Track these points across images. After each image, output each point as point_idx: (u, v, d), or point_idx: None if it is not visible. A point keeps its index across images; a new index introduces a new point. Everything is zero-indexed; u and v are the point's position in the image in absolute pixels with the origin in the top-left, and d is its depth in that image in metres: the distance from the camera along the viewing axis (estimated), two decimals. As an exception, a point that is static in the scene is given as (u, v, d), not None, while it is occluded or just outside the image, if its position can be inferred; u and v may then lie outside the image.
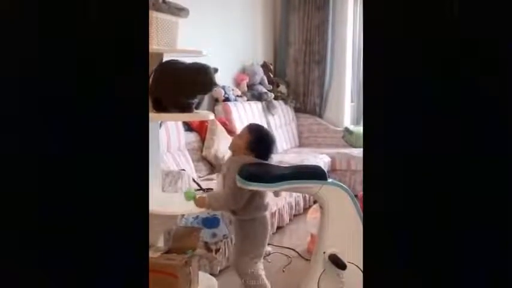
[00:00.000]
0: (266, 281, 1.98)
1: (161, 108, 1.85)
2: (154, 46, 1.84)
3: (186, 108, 1.85)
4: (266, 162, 1.99)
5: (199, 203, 1.92)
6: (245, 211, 1.95)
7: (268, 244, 2.89)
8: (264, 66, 4.78)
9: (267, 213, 2.02)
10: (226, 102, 3.99)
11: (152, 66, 1.87)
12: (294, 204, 3.56)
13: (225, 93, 4.02)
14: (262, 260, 2.03)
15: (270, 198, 2.05)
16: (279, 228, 3.27)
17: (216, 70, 1.84)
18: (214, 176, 3.18)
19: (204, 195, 1.98)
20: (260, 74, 4.61)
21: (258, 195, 1.96)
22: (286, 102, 4.93)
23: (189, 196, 1.96)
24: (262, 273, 1.99)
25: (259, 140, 1.98)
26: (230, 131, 3.68)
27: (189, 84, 1.78)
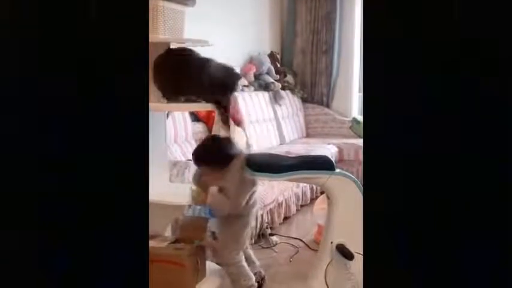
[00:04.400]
0: (249, 272, 2.00)
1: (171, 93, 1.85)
2: (160, 35, 1.83)
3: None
4: (273, 152, 1.99)
5: (199, 200, 1.88)
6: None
7: (275, 234, 2.91)
8: (271, 56, 4.75)
9: (254, 210, 2.02)
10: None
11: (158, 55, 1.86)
12: (300, 194, 3.55)
13: (232, 83, 4.00)
14: (247, 251, 2.07)
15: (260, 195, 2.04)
16: (286, 218, 3.27)
17: (239, 76, 1.85)
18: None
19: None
20: (267, 64, 4.59)
21: (250, 196, 1.94)
22: (293, 92, 4.91)
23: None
24: (245, 264, 2.00)
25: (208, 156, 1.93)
26: (237, 121, 3.67)
27: (213, 84, 1.77)
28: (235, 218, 1.95)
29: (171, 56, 1.85)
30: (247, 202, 1.94)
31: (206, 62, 1.82)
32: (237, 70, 4.35)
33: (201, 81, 1.78)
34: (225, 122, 1.94)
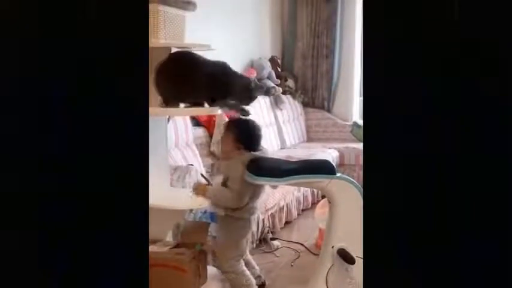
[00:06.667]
0: (250, 277, 1.98)
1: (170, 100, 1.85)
2: (161, 40, 1.84)
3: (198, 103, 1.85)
4: (274, 157, 1.99)
5: (200, 190, 1.92)
6: (238, 211, 1.93)
7: (277, 239, 2.91)
8: (272, 60, 4.76)
9: (254, 216, 2.01)
10: (234, 97, 3.97)
11: (160, 60, 1.86)
12: (302, 198, 3.55)
13: (233, 87, 4.00)
14: (246, 256, 2.05)
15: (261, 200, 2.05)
16: (287, 223, 3.26)
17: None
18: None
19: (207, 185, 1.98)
20: (268, 68, 4.59)
21: (253, 197, 1.93)
22: (294, 97, 4.91)
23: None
24: (245, 269, 1.99)
25: (246, 133, 2.00)
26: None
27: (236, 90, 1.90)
28: (234, 220, 1.94)
29: (175, 60, 1.85)
30: (247, 203, 1.92)
31: (213, 66, 1.85)
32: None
33: (210, 85, 1.82)
34: None
